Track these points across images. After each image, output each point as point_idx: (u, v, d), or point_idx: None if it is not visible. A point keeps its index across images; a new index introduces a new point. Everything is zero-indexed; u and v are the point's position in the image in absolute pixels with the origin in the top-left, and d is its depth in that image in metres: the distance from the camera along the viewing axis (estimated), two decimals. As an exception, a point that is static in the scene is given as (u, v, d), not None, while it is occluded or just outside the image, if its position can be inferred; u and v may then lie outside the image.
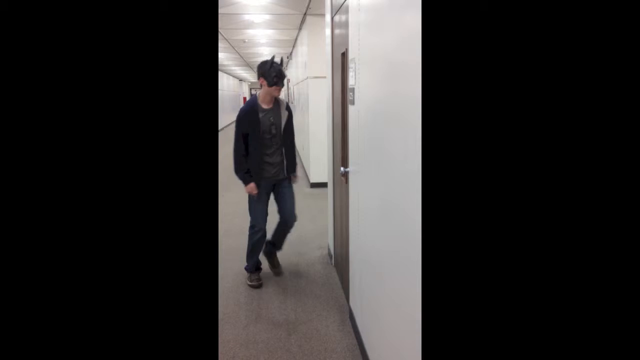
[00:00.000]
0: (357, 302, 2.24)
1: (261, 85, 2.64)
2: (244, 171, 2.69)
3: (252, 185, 2.68)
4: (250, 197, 2.74)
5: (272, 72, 2.54)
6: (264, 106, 2.68)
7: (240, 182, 2.70)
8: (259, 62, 2.64)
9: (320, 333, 2.31)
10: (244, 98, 26.79)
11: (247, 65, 14.81)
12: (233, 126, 2.92)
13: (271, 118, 2.68)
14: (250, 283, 2.86)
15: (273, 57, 2.62)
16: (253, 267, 2.91)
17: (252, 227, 2.80)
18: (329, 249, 3.42)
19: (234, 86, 20.75)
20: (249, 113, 2.64)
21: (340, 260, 3.06)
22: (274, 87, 2.58)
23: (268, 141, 2.69)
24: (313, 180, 6.02)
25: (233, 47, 9.81)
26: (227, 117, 17.03)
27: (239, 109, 2.71)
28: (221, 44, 8.98)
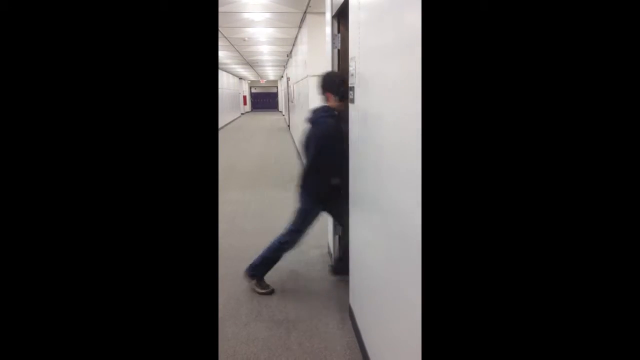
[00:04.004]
0: (357, 300, 2.24)
1: (327, 99, 2.62)
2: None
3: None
4: (310, 210, 2.66)
5: (341, 88, 2.53)
6: None
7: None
8: (323, 74, 2.62)
9: (320, 331, 2.32)
10: (244, 97, 26.76)
11: (247, 63, 14.80)
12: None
13: None
14: (263, 291, 2.77)
15: (341, 74, 2.57)
16: (263, 275, 2.82)
17: (286, 241, 2.71)
18: (328, 248, 3.42)
19: (234, 84, 20.73)
20: (339, 126, 2.55)
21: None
22: (342, 102, 2.57)
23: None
24: (313, 178, 5.98)
25: (233, 46, 9.81)
26: (227, 115, 16.99)
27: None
28: (221, 42, 8.97)
